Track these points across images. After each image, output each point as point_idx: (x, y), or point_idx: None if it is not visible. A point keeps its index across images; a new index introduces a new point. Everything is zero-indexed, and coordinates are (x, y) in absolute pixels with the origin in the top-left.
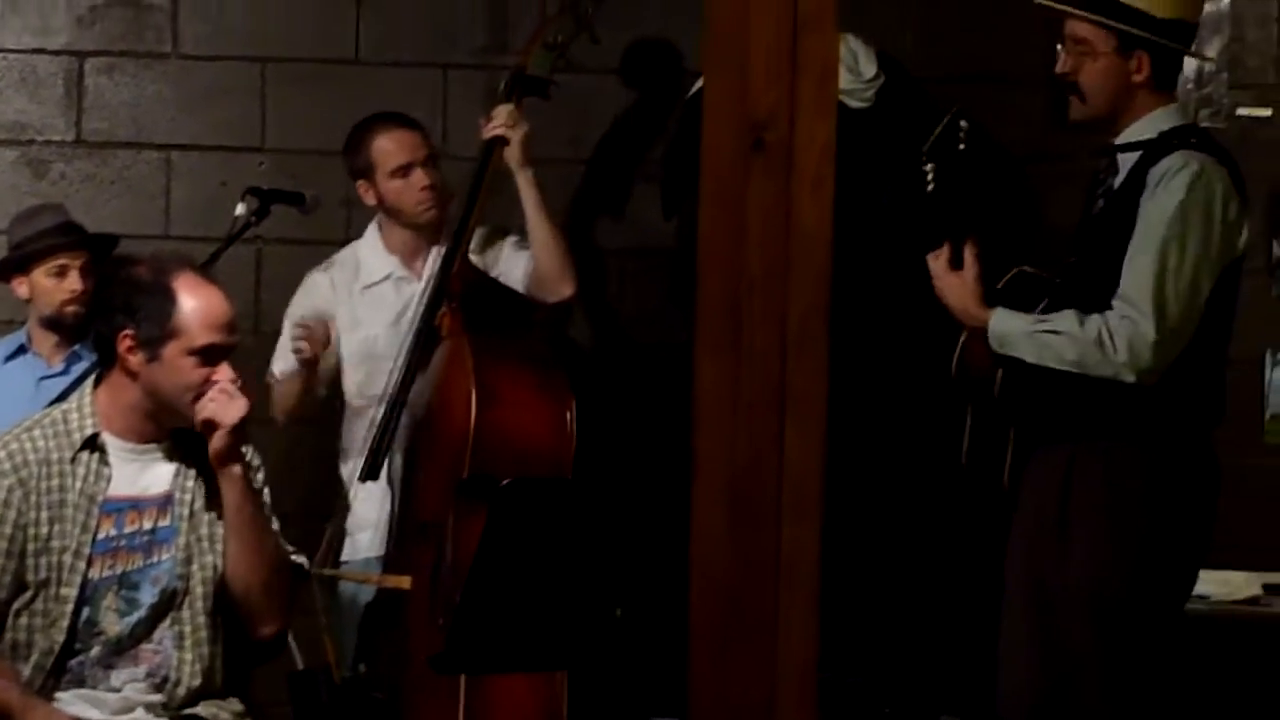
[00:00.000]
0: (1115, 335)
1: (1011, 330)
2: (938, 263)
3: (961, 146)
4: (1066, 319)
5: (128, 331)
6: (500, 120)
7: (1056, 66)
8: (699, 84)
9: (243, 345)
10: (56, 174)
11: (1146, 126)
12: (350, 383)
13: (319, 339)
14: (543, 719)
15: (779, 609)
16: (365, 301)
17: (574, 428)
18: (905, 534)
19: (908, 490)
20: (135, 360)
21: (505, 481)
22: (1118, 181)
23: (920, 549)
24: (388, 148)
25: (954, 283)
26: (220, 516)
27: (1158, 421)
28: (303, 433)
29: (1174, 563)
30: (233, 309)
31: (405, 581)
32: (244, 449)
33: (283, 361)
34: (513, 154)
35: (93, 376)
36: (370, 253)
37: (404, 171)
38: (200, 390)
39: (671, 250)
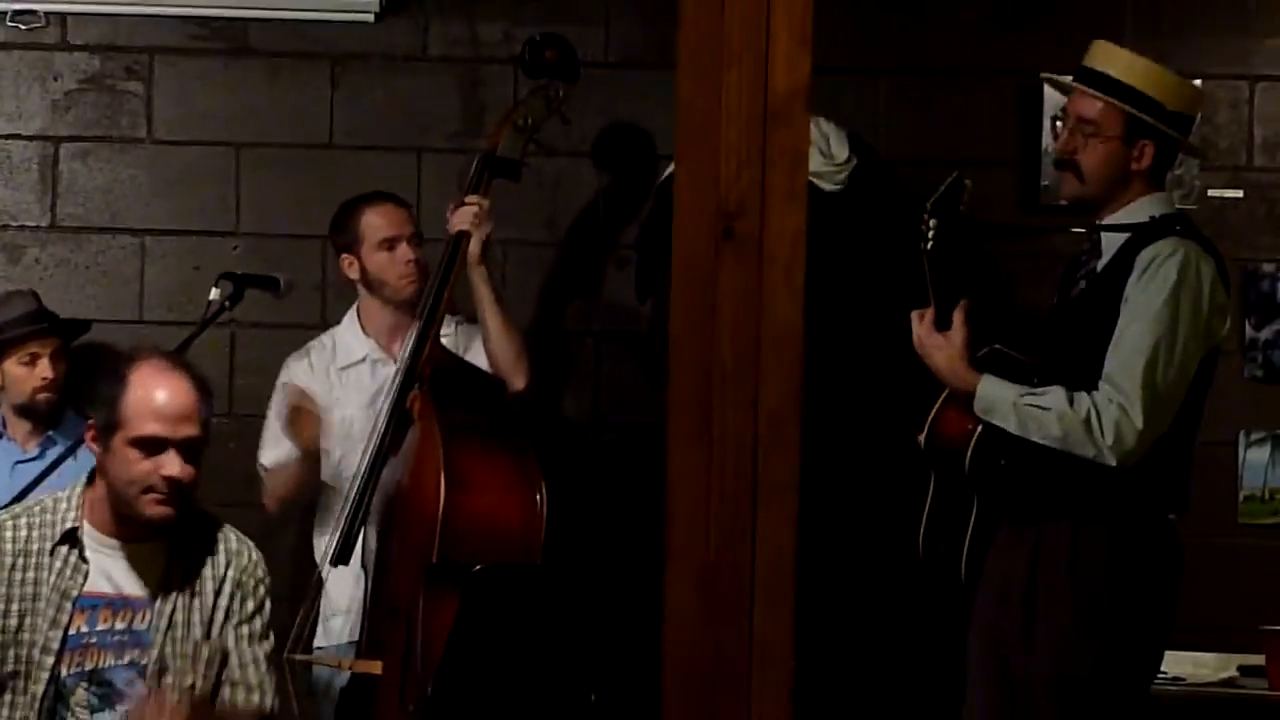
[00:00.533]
0: (1103, 418)
1: (999, 398)
2: (922, 324)
3: (962, 207)
4: (1055, 395)
5: (91, 420)
6: (467, 215)
7: (1057, 143)
8: (671, 168)
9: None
10: (31, 259)
11: (1135, 212)
12: (326, 464)
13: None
14: None
15: (751, 697)
16: (342, 383)
17: (544, 511)
18: (877, 617)
19: (882, 570)
20: (97, 450)
21: (478, 568)
22: (1101, 264)
23: (892, 632)
24: (375, 221)
25: (940, 343)
26: (207, 635)
27: (1124, 503)
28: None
29: (1141, 644)
30: (189, 402)
31: (376, 667)
32: (250, 560)
33: (273, 452)
34: (472, 251)
35: (86, 475)
36: (348, 334)
37: (389, 244)
38: (146, 485)
39: (642, 333)
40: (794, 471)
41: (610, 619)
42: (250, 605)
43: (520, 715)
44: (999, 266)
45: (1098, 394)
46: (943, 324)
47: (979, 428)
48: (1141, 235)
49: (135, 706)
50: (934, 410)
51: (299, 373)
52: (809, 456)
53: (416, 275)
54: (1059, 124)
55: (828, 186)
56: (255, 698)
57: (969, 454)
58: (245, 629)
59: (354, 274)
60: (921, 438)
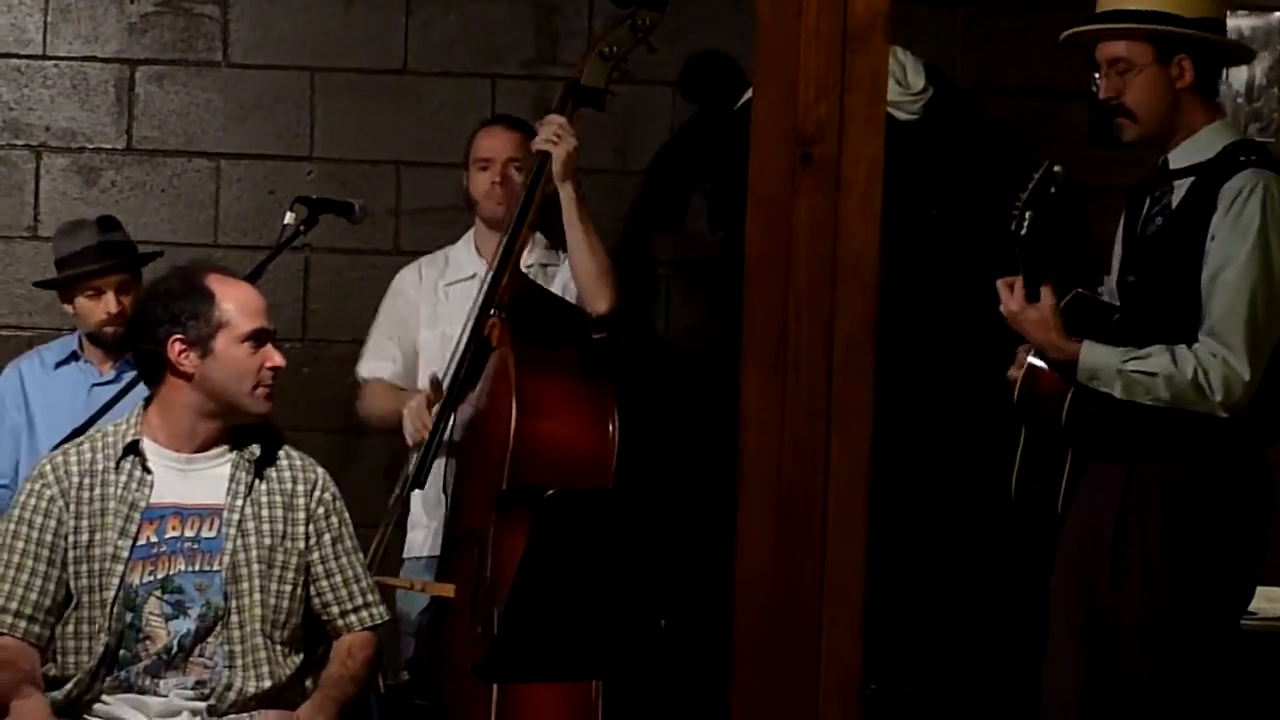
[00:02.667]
0: (1211, 375)
1: (1103, 365)
2: (1013, 295)
3: (1053, 190)
4: (1160, 358)
5: (176, 335)
6: (546, 134)
7: (1099, 94)
8: (748, 94)
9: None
10: (107, 181)
11: (1202, 145)
12: (425, 377)
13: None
14: None
15: (823, 623)
16: (447, 298)
17: (616, 438)
18: (951, 546)
19: (953, 502)
20: (189, 362)
21: (549, 493)
22: (1175, 199)
23: (965, 561)
24: (481, 141)
25: (1032, 315)
26: (283, 545)
27: (1217, 439)
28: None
29: (1231, 580)
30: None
31: (449, 590)
32: (319, 475)
33: (369, 364)
34: (555, 168)
35: (143, 400)
36: (462, 252)
37: (485, 165)
38: (257, 380)
39: (714, 260)
40: (868, 398)
41: (683, 545)
42: (335, 520)
43: (591, 638)
44: (1070, 200)
45: (1200, 349)
46: (1031, 297)
47: (1073, 389)
48: (1215, 169)
49: None
50: (1022, 375)
51: (407, 282)
52: (881, 386)
53: (502, 198)
54: (1097, 76)
55: (903, 116)
56: (369, 614)
57: (1064, 412)
58: (339, 546)
59: (468, 190)
60: (1014, 394)
